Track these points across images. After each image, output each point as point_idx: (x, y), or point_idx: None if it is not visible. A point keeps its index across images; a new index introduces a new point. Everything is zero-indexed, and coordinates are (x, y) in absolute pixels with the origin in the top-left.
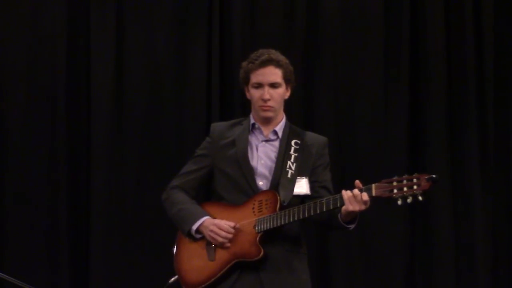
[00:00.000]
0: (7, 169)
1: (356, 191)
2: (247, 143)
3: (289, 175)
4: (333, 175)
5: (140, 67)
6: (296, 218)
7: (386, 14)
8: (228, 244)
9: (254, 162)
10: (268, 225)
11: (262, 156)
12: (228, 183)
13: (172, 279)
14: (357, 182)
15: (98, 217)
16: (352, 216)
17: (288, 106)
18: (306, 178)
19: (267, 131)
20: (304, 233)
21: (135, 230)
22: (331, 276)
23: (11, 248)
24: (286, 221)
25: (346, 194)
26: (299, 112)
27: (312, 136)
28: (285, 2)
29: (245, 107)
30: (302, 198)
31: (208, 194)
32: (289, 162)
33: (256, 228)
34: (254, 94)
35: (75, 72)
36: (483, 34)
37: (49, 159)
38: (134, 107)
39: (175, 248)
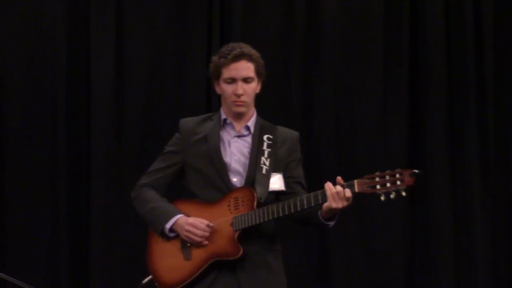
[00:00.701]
0: (7, 169)
1: (339, 187)
2: (219, 138)
3: (263, 171)
4: (333, 174)
5: (140, 66)
6: (276, 216)
7: (386, 13)
8: (206, 243)
9: (227, 158)
10: (246, 223)
11: (235, 152)
12: (201, 180)
13: (146, 279)
14: (339, 178)
15: (99, 216)
16: (333, 213)
17: (288, 105)
18: (280, 174)
19: (239, 127)
20: (279, 230)
21: (135, 229)
22: (331, 276)
23: (12, 248)
24: (266, 219)
25: (329, 190)
26: (298, 111)
27: (283, 131)
28: (285, 1)
29: None
30: (277, 194)
31: (177, 191)
32: (262, 158)
33: (234, 226)
34: (226, 89)
35: (75, 71)
36: (483, 33)
37: (49, 159)
38: (134, 106)
39: (147, 248)
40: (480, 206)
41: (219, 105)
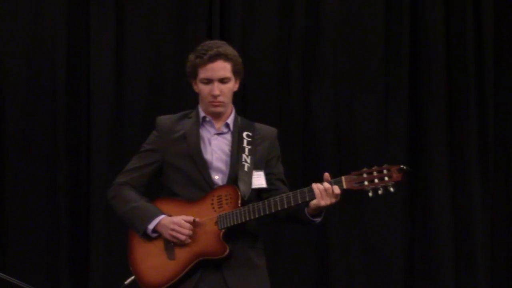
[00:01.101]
0: (7, 169)
1: (327, 184)
2: (198, 136)
3: (245, 169)
4: (332, 174)
5: (140, 66)
6: (262, 214)
7: (386, 13)
8: (189, 240)
9: (208, 155)
10: (231, 221)
11: (216, 149)
12: (182, 178)
13: (128, 280)
14: (326, 175)
15: (99, 217)
16: (320, 209)
17: (288, 105)
18: (262, 171)
19: (218, 124)
20: (261, 228)
21: None
22: (330, 276)
23: (12, 248)
24: (252, 217)
25: (317, 188)
26: (298, 112)
27: (262, 128)
28: (285, 0)
29: (245, 105)
30: (258, 191)
31: (155, 189)
32: (244, 155)
33: (219, 224)
34: (203, 89)
35: (75, 71)
36: (483, 33)
37: (49, 159)
38: (134, 106)
39: (129, 248)
40: (480, 206)
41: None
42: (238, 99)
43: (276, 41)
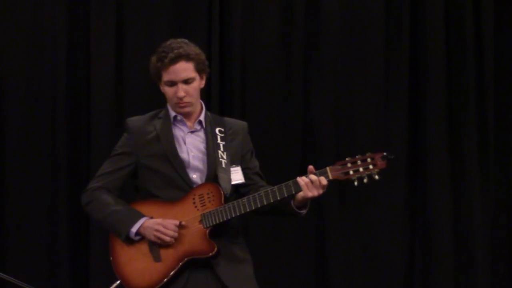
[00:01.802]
0: (7, 169)
1: (313, 176)
2: (172, 136)
3: (223, 165)
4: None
5: (140, 66)
6: (248, 210)
7: (386, 13)
8: (173, 241)
9: (184, 154)
10: (216, 219)
11: (192, 148)
12: (159, 180)
13: (114, 284)
14: (311, 167)
15: None
16: (305, 201)
17: (288, 105)
18: (238, 166)
19: (190, 122)
20: (241, 224)
21: None
22: (330, 276)
23: (12, 248)
24: (238, 213)
25: (302, 180)
26: (298, 111)
27: (233, 122)
28: (285, 1)
29: (245, 105)
30: (237, 186)
31: (129, 192)
32: (219, 152)
33: (204, 223)
34: (168, 91)
35: (75, 72)
36: (483, 32)
37: (49, 159)
38: (134, 107)
39: (111, 253)
40: (480, 206)
41: (219, 105)
42: (238, 99)
43: (276, 41)
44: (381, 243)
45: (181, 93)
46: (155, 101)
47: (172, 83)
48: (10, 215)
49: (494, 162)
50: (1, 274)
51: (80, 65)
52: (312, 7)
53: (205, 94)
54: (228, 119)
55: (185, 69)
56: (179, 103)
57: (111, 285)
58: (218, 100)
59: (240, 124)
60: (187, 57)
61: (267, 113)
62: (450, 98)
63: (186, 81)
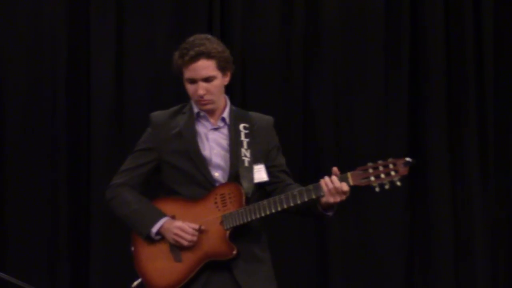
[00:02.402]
0: (7, 169)
1: (336, 181)
2: (195, 132)
3: (246, 164)
4: (331, 172)
5: (140, 66)
6: (268, 212)
7: (386, 13)
8: (192, 245)
9: (206, 152)
10: (236, 221)
11: (214, 145)
12: (181, 177)
13: (136, 282)
14: (335, 169)
15: (99, 217)
16: (331, 205)
17: (288, 105)
18: (262, 164)
19: (213, 119)
20: (264, 222)
21: None
22: (330, 276)
23: (12, 248)
24: (257, 216)
25: (325, 186)
26: (298, 111)
27: (258, 118)
28: (284, 1)
29: (246, 105)
30: (261, 185)
31: (153, 187)
32: (243, 150)
33: (224, 225)
34: (189, 89)
35: (75, 72)
36: (483, 32)
37: (49, 159)
38: (135, 106)
39: (133, 249)
40: (480, 206)
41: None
42: (238, 99)
43: (276, 41)
44: (381, 243)
45: (201, 92)
46: (155, 101)
47: (193, 81)
48: (10, 214)
49: (494, 162)
50: (1, 274)
51: (80, 65)
52: (312, 7)
53: None
54: (253, 114)
55: (205, 67)
56: (199, 101)
57: (115, 283)
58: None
59: (265, 119)
60: (207, 55)
61: (267, 113)
62: (450, 98)
63: (207, 79)
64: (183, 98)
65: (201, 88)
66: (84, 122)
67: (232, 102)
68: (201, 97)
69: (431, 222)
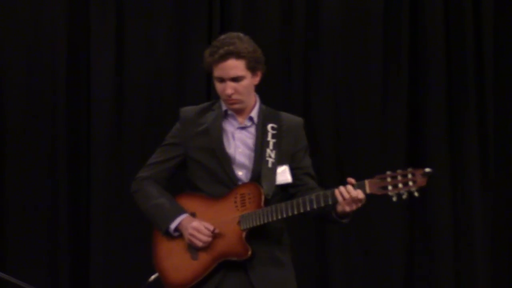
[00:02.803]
0: (7, 170)
1: (351, 191)
2: (221, 130)
3: (269, 165)
4: (332, 174)
5: (140, 66)
6: (284, 215)
7: (386, 13)
8: (205, 246)
9: (231, 150)
10: (253, 222)
11: (239, 144)
12: (204, 174)
13: (153, 277)
14: (350, 179)
15: (99, 217)
16: (346, 212)
17: (288, 105)
18: (287, 165)
19: (241, 118)
20: (286, 223)
21: (135, 230)
22: (330, 276)
23: (12, 248)
24: (274, 218)
25: (339, 195)
26: (298, 111)
27: (288, 118)
28: (285, 1)
29: None
30: (284, 186)
31: (180, 183)
32: (268, 150)
33: (241, 225)
34: (217, 87)
35: (75, 71)
36: (483, 32)
37: (49, 160)
38: (134, 107)
39: (152, 245)
40: (480, 206)
41: None
42: None
43: (276, 41)
44: (381, 243)
45: (229, 91)
46: (156, 101)
47: (221, 80)
48: (11, 215)
49: (494, 162)
50: (1, 274)
51: (80, 65)
52: (312, 7)
53: (205, 94)
54: (284, 115)
55: (234, 67)
56: (227, 100)
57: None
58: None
59: (295, 120)
60: (237, 55)
61: None
62: (450, 98)
63: (235, 79)
64: (183, 98)
65: (229, 87)
66: (84, 122)
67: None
68: (229, 96)
69: (431, 222)
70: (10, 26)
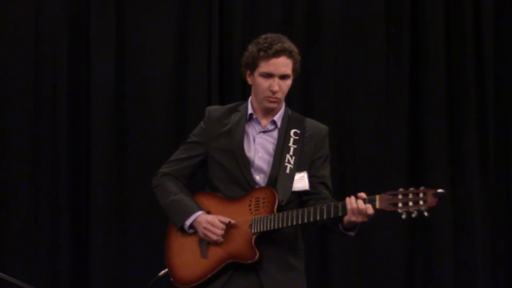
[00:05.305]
0: (7, 170)
1: (361, 204)
2: (243, 133)
3: (287, 171)
4: (332, 178)
5: (140, 66)
6: (294, 223)
7: (386, 13)
8: (221, 240)
9: (250, 154)
10: (264, 226)
11: (259, 148)
12: (223, 174)
13: (162, 272)
14: (361, 194)
15: (99, 217)
16: (353, 224)
17: (288, 105)
18: (305, 172)
19: (265, 122)
20: (301, 230)
21: (135, 229)
22: (330, 276)
23: (12, 248)
24: (284, 225)
25: (350, 205)
26: (298, 111)
27: (312, 125)
28: (285, 1)
29: None
30: (300, 193)
31: (201, 181)
32: (287, 156)
33: (252, 228)
34: (261, 83)
35: (75, 71)
36: (483, 32)
37: (49, 160)
38: (135, 107)
39: (166, 240)
40: (480, 206)
41: (221, 104)
42: (238, 100)
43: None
44: (381, 243)
45: (276, 87)
46: (155, 101)
47: (269, 75)
48: (11, 215)
49: (494, 162)
50: (1, 274)
51: (80, 65)
52: (312, 7)
53: (206, 95)
54: (309, 121)
55: (285, 64)
56: (269, 97)
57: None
58: (218, 100)
59: (319, 128)
60: (289, 54)
61: None
62: (450, 98)
63: (283, 77)
64: (184, 98)
65: (276, 84)
66: (84, 122)
67: (232, 102)
68: (274, 93)
69: (431, 222)
70: (11, 26)
